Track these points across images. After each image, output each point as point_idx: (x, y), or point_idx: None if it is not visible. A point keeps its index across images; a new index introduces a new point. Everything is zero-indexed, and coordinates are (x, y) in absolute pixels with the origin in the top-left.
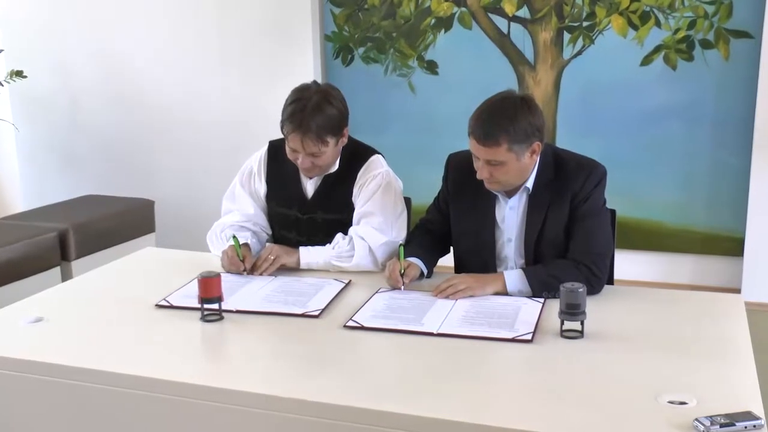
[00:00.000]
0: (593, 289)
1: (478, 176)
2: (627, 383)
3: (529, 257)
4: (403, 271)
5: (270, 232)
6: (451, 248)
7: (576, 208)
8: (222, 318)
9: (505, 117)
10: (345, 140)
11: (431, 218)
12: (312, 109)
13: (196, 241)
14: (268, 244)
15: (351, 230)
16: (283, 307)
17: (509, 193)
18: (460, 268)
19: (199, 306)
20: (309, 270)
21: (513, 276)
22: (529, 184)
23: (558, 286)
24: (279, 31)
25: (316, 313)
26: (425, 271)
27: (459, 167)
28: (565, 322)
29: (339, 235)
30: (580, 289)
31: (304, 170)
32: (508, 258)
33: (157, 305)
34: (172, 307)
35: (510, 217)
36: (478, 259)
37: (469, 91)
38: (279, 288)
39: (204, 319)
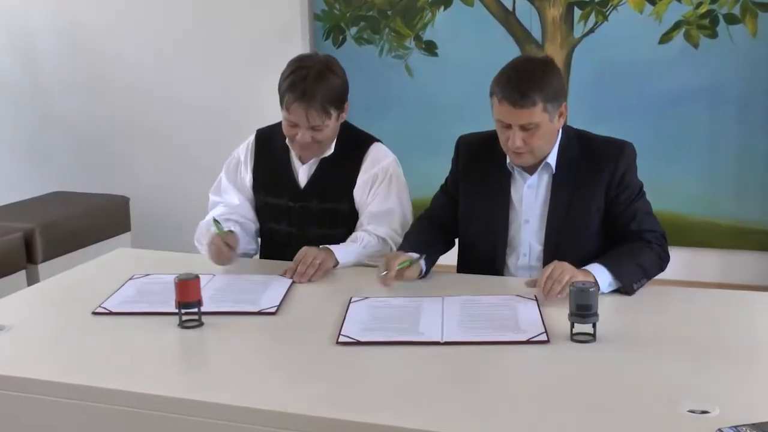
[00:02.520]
0: (663, 266)
1: (510, 146)
2: (644, 390)
3: (550, 241)
4: (407, 264)
5: (258, 225)
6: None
7: (618, 194)
8: (202, 324)
9: (535, 76)
10: (345, 116)
11: (437, 206)
12: (315, 78)
13: (175, 240)
14: (305, 247)
15: (372, 229)
16: (234, 306)
17: (529, 171)
18: (464, 256)
19: (138, 311)
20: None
21: (599, 271)
22: (551, 160)
23: (642, 275)
24: (264, 10)
25: (273, 309)
26: (423, 269)
27: (470, 148)
28: (576, 324)
29: (362, 234)
30: (591, 289)
31: (301, 147)
32: (522, 243)
33: (93, 313)
34: (110, 313)
35: (528, 196)
36: (487, 245)
37: (471, 73)
38: (223, 287)
39: (182, 325)
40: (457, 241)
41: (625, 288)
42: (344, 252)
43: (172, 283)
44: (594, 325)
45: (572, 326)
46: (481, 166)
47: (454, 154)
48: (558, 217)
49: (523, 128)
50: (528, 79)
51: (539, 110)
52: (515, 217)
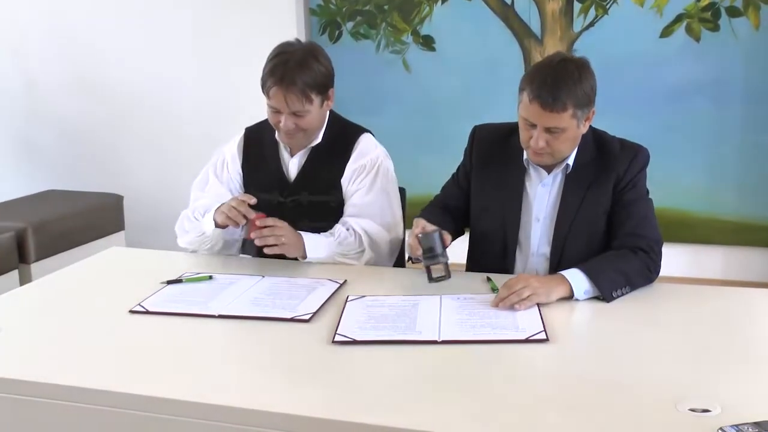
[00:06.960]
0: (651, 277)
1: (532, 145)
2: (645, 389)
3: (558, 241)
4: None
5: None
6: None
7: (623, 193)
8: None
9: (570, 79)
10: (331, 104)
11: (448, 195)
12: (296, 64)
13: (169, 239)
14: (285, 224)
15: (353, 222)
16: (271, 311)
17: (547, 169)
18: (474, 250)
19: (174, 312)
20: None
21: (576, 276)
22: (570, 160)
23: (625, 283)
24: (258, 6)
25: (307, 317)
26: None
27: (485, 139)
28: (431, 267)
29: (340, 227)
30: (434, 233)
31: (286, 135)
32: (530, 241)
33: (131, 311)
34: (147, 312)
35: (542, 194)
36: (498, 240)
37: (469, 68)
38: (268, 290)
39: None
40: (468, 235)
41: (603, 296)
42: (315, 244)
43: (219, 281)
44: (446, 265)
45: (428, 270)
46: (496, 161)
47: (468, 144)
48: (568, 216)
49: (548, 130)
50: (562, 83)
51: (568, 115)
52: (527, 214)
